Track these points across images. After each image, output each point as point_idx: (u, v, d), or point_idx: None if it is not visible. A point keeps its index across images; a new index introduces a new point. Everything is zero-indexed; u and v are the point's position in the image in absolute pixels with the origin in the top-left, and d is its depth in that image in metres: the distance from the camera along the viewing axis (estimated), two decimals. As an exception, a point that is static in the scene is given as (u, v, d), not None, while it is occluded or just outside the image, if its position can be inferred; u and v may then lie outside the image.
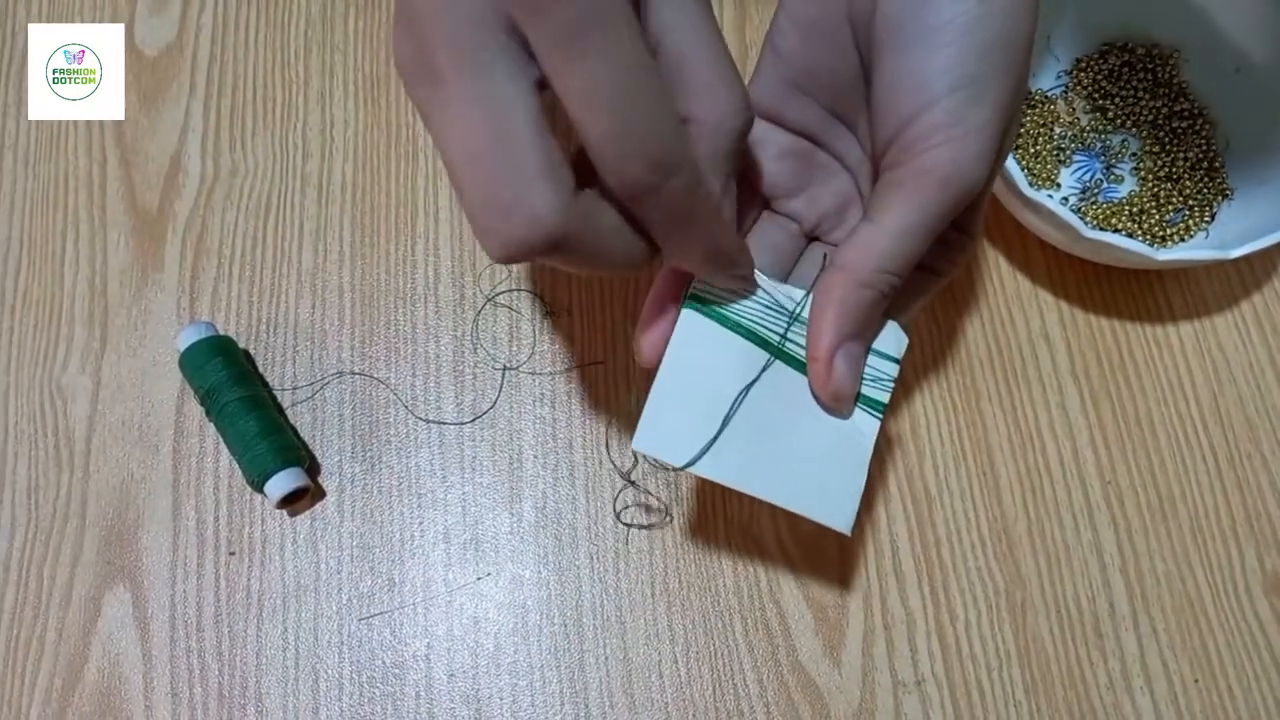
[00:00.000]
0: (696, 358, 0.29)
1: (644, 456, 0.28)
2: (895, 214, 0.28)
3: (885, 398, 0.30)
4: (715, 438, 0.29)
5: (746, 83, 0.31)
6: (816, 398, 0.30)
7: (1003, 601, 0.39)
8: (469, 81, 0.22)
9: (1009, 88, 0.27)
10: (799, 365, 0.30)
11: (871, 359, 0.30)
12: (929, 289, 0.32)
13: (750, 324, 0.30)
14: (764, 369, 0.30)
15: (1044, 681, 0.38)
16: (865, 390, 0.30)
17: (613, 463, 0.40)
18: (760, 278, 0.30)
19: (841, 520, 0.29)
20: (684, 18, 0.25)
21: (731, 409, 0.29)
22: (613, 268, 0.25)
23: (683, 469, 0.28)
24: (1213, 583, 0.40)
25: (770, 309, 0.30)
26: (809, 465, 0.29)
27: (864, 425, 0.30)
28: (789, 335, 0.30)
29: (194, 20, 0.49)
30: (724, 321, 0.29)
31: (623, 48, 0.22)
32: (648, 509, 0.40)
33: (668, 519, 0.40)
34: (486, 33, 0.22)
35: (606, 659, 0.38)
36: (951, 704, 0.38)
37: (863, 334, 0.29)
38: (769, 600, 0.39)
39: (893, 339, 0.31)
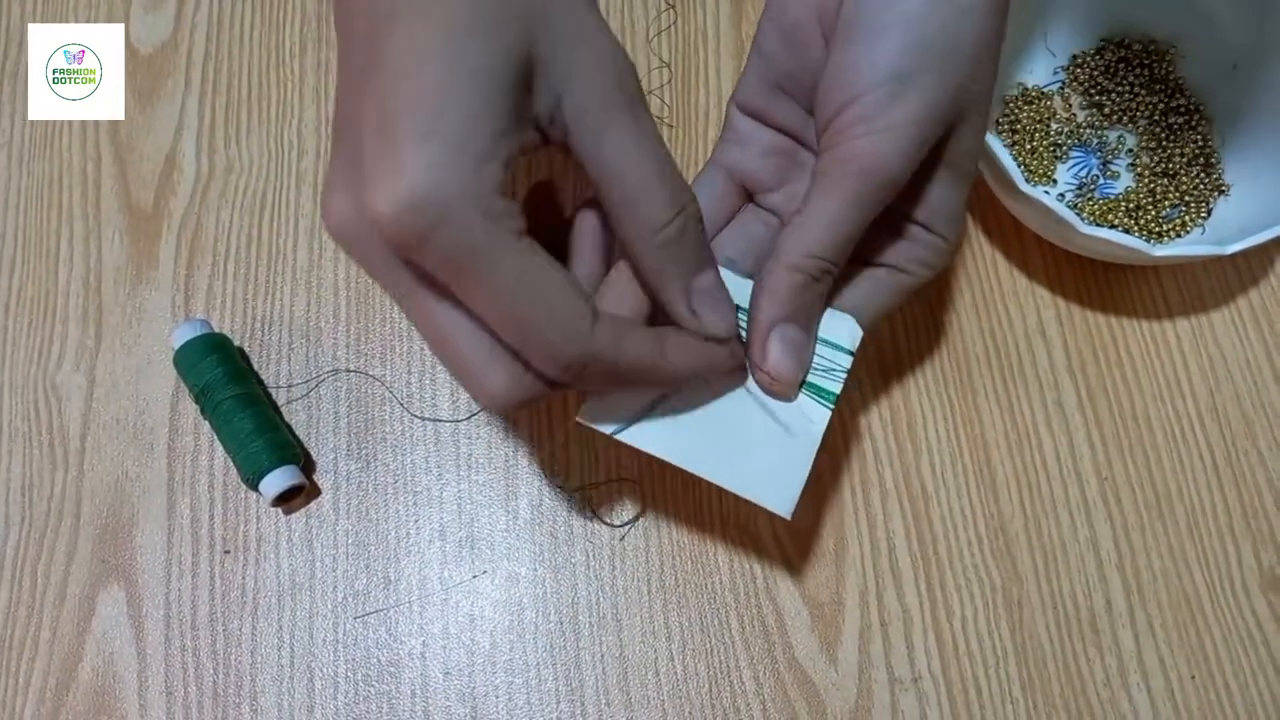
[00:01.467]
0: None
1: (587, 428, 0.30)
2: (818, 202, 0.29)
3: (837, 388, 0.31)
4: (651, 410, 0.30)
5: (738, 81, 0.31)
6: (758, 383, 0.31)
7: (999, 598, 0.39)
8: (409, 302, 0.26)
9: (946, 86, 0.27)
10: None
11: (823, 349, 0.31)
12: (895, 288, 0.32)
13: None
14: None
15: (1040, 678, 0.38)
16: (815, 379, 0.31)
17: (558, 485, 0.40)
18: (724, 272, 0.31)
19: (783, 505, 0.30)
20: (609, 132, 0.26)
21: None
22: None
23: (613, 435, 0.30)
24: (1209, 579, 0.40)
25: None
26: (754, 449, 0.30)
27: (813, 414, 0.31)
28: (744, 325, 0.31)
29: (189, 18, 0.49)
30: None
31: (504, 274, 0.24)
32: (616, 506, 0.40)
33: (637, 519, 0.40)
34: (400, 272, 0.25)
35: (603, 657, 0.38)
36: (948, 701, 0.38)
37: (795, 317, 0.30)
38: (765, 597, 0.39)
39: (845, 330, 0.31)
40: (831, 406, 0.31)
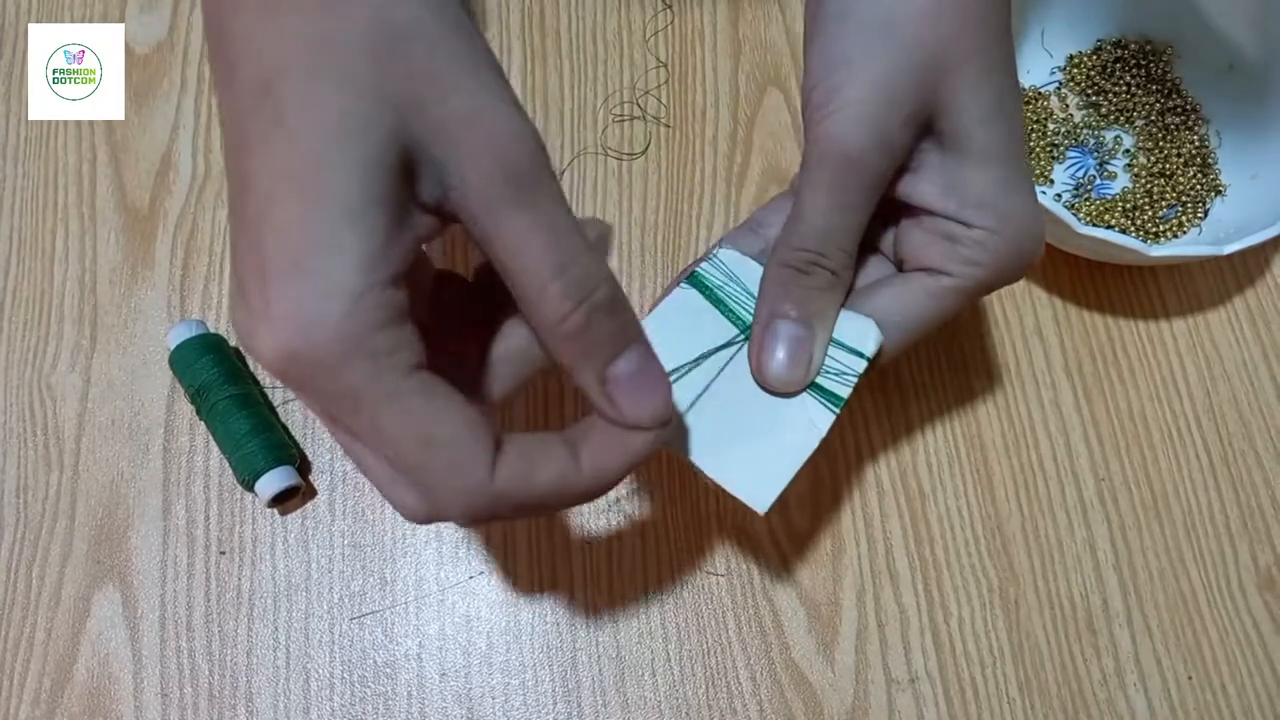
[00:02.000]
0: (676, 324, 0.31)
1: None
2: (801, 193, 0.29)
3: (845, 392, 0.30)
4: None
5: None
6: (756, 379, 0.30)
7: (996, 599, 0.39)
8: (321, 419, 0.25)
9: (893, 59, 0.28)
10: None
11: (835, 351, 0.30)
12: (937, 292, 0.30)
13: (739, 307, 0.31)
14: (727, 344, 0.31)
15: (1038, 679, 0.38)
16: (824, 382, 0.30)
17: None
18: (746, 263, 0.31)
19: (759, 500, 0.29)
20: (497, 224, 0.23)
21: (680, 369, 0.30)
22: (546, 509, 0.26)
23: None
24: (1206, 580, 0.40)
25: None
26: (746, 441, 0.30)
27: (818, 416, 0.30)
28: None
29: (185, 17, 0.48)
30: (715, 301, 0.31)
31: (390, 421, 0.22)
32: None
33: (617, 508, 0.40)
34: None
35: (599, 657, 0.38)
36: (945, 701, 0.38)
37: (789, 312, 0.29)
38: (762, 598, 0.39)
39: (859, 332, 0.30)
40: (837, 411, 0.30)
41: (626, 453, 0.26)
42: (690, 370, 0.30)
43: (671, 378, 0.28)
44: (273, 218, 0.21)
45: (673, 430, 0.29)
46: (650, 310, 0.31)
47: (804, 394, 0.30)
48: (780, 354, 0.29)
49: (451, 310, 0.28)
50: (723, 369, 0.31)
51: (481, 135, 0.23)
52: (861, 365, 0.30)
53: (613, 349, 0.25)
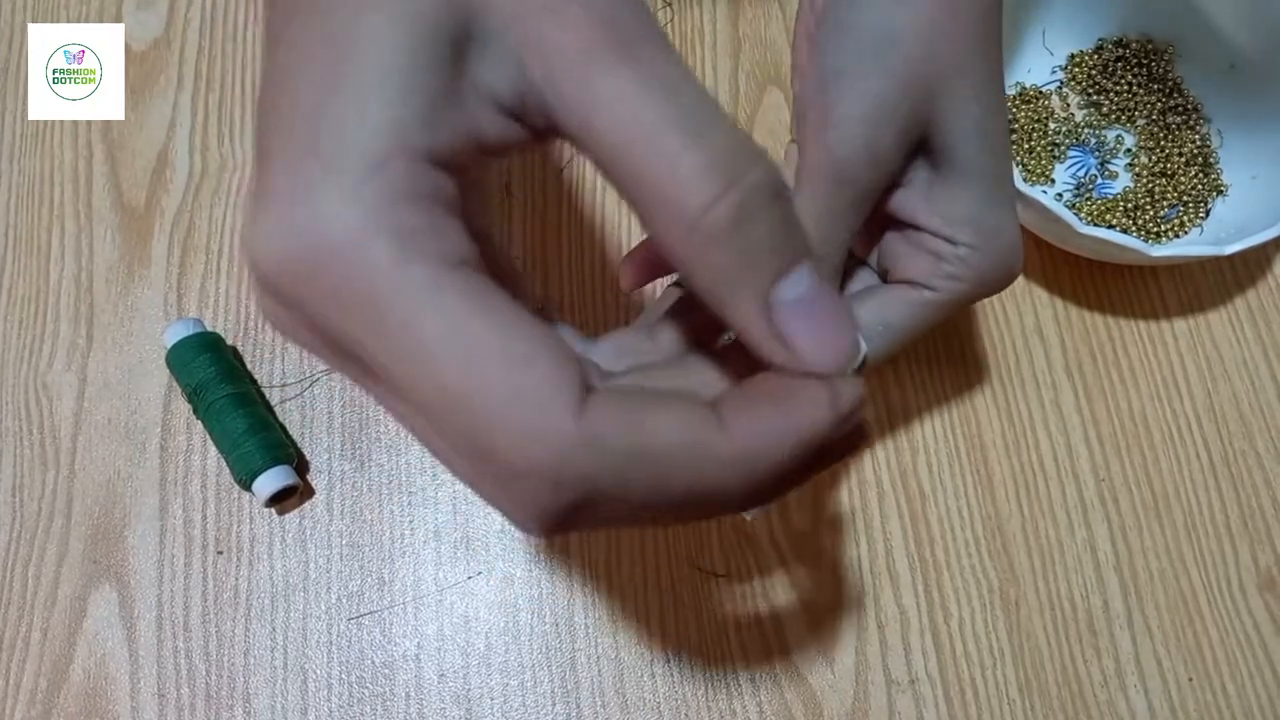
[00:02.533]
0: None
1: None
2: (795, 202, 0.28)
3: None
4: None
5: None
6: None
7: (996, 600, 0.39)
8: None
9: (885, 73, 0.27)
10: None
11: None
12: (918, 306, 0.29)
13: None
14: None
15: (1038, 680, 0.38)
16: None
17: None
18: None
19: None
20: (596, 91, 0.17)
21: None
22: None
23: None
24: (1207, 580, 0.40)
25: None
26: None
27: None
28: None
29: (182, 14, 0.48)
30: None
31: (423, 329, 0.16)
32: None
33: None
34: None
35: (598, 658, 0.38)
36: (945, 703, 0.38)
37: None
38: (762, 599, 0.39)
39: None
40: None
41: (801, 416, 0.18)
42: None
43: None
44: (291, 88, 0.17)
45: None
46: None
47: None
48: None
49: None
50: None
51: None
52: None
53: (780, 262, 0.18)
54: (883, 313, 0.30)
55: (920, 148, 0.29)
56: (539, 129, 0.18)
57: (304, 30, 0.17)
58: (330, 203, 0.16)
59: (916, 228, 0.30)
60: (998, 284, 0.30)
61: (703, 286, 0.18)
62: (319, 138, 0.16)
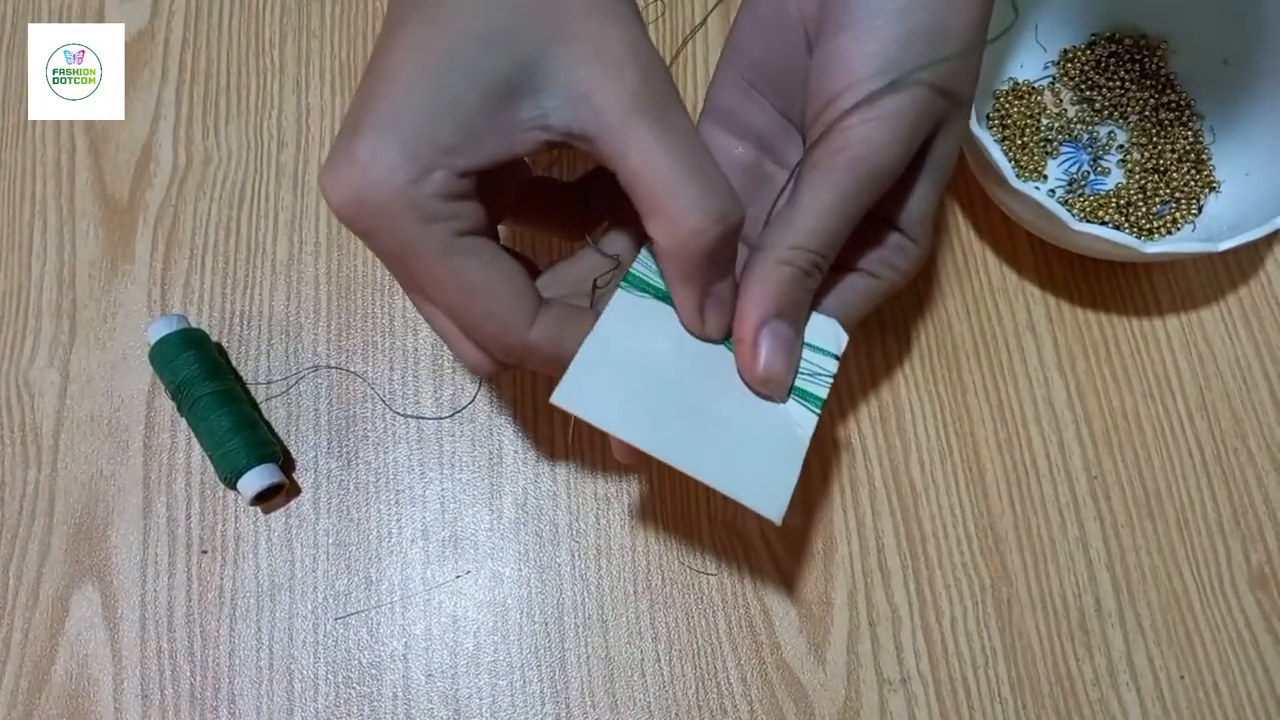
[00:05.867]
0: (629, 329, 0.29)
1: (562, 410, 0.28)
2: (810, 192, 0.28)
3: (823, 393, 0.30)
4: (632, 397, 0.28)
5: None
6: (748, 383, 0.30)
7: (988, 598, 0.39)
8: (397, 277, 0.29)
9: (938, 77, 0.27)
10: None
11: (808, 353, 0.30)
12: (868, 294, 0.31)
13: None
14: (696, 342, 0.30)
15: (1030, 678, 0.38)
16: (802, 384, 0.30)
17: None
18: None
19: (773, 508, 0.28)
20: (632, 139, 0.25)
21: (657, 377, 0.29)
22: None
23: (590, 421, 0.27)
24: (1199, 578, 0.40)
25: None
26: (741, 450, 0.29)
27: (800, 419, 0.30)
28: None
29: (166, 5, 0.48)
30: (664, 298, 0.30)
31: (438, 273, 0.26)
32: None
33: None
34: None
35: (588, 658, 0.38)
36: (937, 701, 0.37)
37: (786, 313, 0.29)
38: (753, 597, 0.39)
39: (831, 334, 0.31)
40: (818, 412, 0.30)
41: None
42: (663, 375, 0.29)
43: (641, 385, 0.29)
44: (389, 81, 0.25)
45: (665, 442, 0.28)
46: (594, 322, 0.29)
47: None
48: (780, 358, 0.29)
49: (540, 210, 0.33)
50: (701, 375, 0.30)
51: (619, 51, 0.25)
52: (834, 366, 0.31)
53: (724, 272, 0.28)
54: (839, 300, 0.31)
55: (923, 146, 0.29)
56: (562, 145, 0.26)
57: (417, 36, 0.25)
58: (392, 183, 0.24)
59: (877, 219, 0.30)
60: (913, 276, 0.32)
61: (669, 271, 0.28)
62: (392, 130, 0.24)
